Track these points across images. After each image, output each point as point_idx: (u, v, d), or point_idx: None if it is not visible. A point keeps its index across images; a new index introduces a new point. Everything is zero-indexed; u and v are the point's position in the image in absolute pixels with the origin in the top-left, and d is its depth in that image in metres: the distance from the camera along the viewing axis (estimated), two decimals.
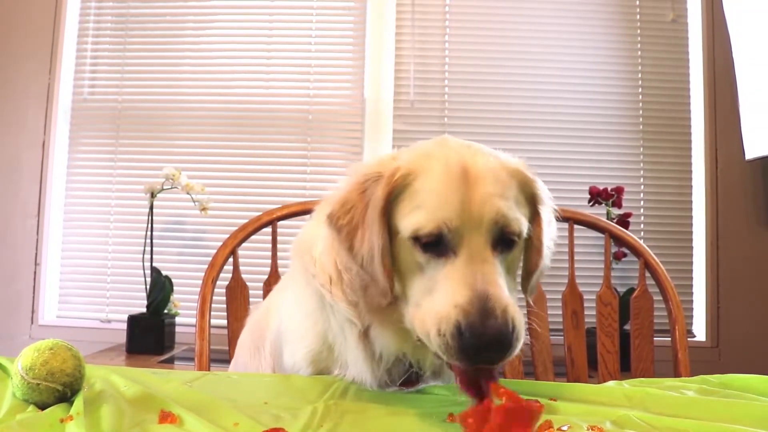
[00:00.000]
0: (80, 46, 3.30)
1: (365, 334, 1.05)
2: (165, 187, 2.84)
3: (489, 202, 0.92)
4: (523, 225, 0.96)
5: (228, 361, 1.69)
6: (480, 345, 0.82)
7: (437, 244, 0.91)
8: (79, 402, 0.79)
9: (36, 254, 3.17)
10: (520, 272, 1.05)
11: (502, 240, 0.93)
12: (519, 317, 0.85)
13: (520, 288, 1.05)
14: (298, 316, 1.16)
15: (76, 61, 3.30)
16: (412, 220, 0.93)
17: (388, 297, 0.95)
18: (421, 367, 1.03)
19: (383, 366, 1.04)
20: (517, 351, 0.84)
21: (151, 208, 2.89)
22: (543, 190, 1.06)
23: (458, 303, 0.84)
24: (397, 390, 1.04)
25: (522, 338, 0.85)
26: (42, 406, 0.80)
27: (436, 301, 0.88)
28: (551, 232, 1.07)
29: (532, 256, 1.03)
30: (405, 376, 1.05)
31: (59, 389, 0.81)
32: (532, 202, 1.03)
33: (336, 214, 1.00)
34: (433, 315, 0.87)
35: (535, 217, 1.02)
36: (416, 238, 0.92)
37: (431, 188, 0.94)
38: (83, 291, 3.20)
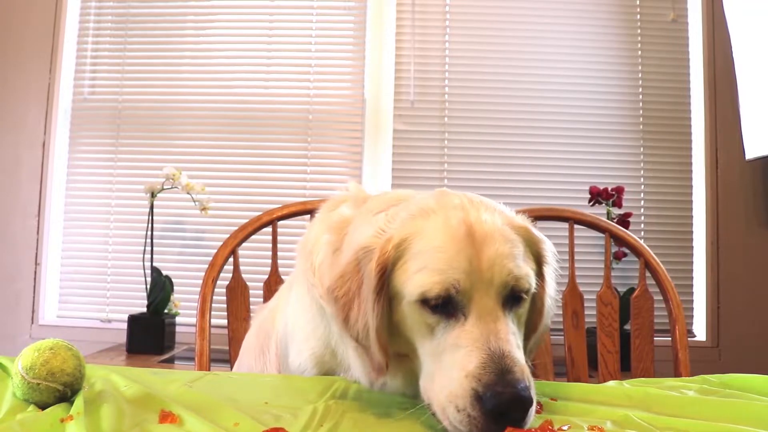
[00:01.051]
0: (80, 46, 3.30)
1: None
2: (165, 187, 2.84)
3: (499, 262, 0.89)
4: (531, 281, 0.93)
5: (228, 361, 1.69)
6: (502, 404, 0.78)
7: (445, 306, 0.87)
8: (79, 402, 0.79)
9: (36, 254, 3.17)
10: None
11: (512, 297, 0.91)
12: (531, 377, 0.83)
13: None
14: (302, 320, 1.15)
15: (76, 61, 3.30)
16: (417, 282, 0.89)
17: (383, 372, 0.93)
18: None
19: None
20: (534, 412, 0.81)
21: (152, 207, 2.89)
22: (548, 251, 1.01)
23: (469, 371, 0.81)
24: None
25: (535, 399, 0.82)
26: (42, 406, 0.80)
27: (446, 374, 0.84)
28: (552, 291, 1.03)
29: (534, 317, 0.99)
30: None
31: (59, 389, 0.81)
32: (537, 261, 0.99)
33: (333, 286, 0.97)
34: (447, 393, 0.83)
35: (539, 278, 0.98)
36: (424, 301, 0.88)
37: (435, 248, 0.90)
38: (83, 291, 3.20)
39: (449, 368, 0.84)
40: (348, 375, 1.07)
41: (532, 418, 0.81)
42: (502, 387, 0.79)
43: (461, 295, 0.87)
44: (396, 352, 0.95)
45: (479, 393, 0.79)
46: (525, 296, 0.92)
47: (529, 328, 0.99)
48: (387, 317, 0.93)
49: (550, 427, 0.78)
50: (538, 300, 0.98)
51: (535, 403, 0.81)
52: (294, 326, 1.18)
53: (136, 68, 3.30)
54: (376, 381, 0.97)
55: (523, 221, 1.00)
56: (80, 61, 3.30)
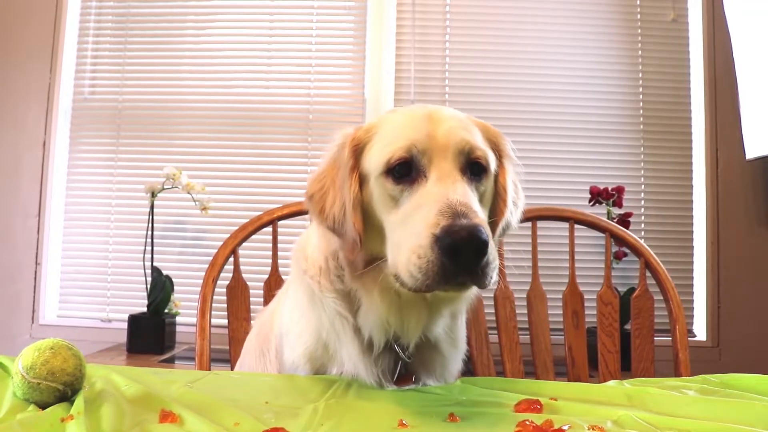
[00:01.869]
0: (81, 45, 3.30)
1: (358, 328, 1.08)
2: (165, 187, 2.84)
3: (454, 132, 0.98)
4: (489, 156, 1.02)
5: (228, 361, 1.69)
6: (456, 240, 0.83)
7: (408, 173, 0.96)
8: (79, 401, 0.79)
9: (37, 254, 3.17)
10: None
11: (470, 167, 0.99)
12: (491, 237, 0.88)
13: None
14: (296, 315, 1.19)
15: (76, 60, 3.30)
16: (382, 154, 0.98)
17: (357, 247, 0.99)
18: (404, 336, 1.05)
19: (375, 353, 1.06)
20: (494, 267, 0.87)
21: (152, 207, 2.89)
22: (507, 144, 1.12)
23: (429, 221, 0.87)
24: (395, 389, 1.06)
25: (495, 260, 0.88)
26: (43, 406, 0.80)
27: (410, 230, 0.90)
28: (518, 193, 1.13)
29: (498, 204, 1.08)
30: (397, 371, 1.07)
31: (60, 389, 0.81)
32: (497, 153, 1.08)
33: (309, 188, 1.08)
34: (408, 246, 0.89)
35: (500, 169, 1.08)
36: (388, 171, 0.97)
37: (397, 126, 1.00)
38: (84, 290, 3.20)
39: (413, 227, 0.90)
40: (341, 370, 1.09)
41: (495, 270, 0.87)
42: (458, 228, 0.84)
43: (421, 156, 0.95)
44: (368, 254, 1.01)
45: (437, 236, 0.85)
46: (484, 167, 1.00)
47: (495, 217, 1.07)
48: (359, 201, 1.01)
49: (550, 427, 0.78)
50: (500, 188, 1.08)
51: (491, 248, 0.86)
52: (289, 323, 1.21)
53: (136, 68, 3.30)
54: (354, 263, 1.02)
55: (484, 122, 1.09)
56: (81, 60, 3.30)
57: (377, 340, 1.06)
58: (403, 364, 1.08)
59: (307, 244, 1.19)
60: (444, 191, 0.91)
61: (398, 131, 1.00)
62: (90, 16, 3.31)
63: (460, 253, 0.84)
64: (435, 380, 1.12)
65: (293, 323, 1.19)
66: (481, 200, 1.00)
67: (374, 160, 1.00)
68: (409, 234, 0.90)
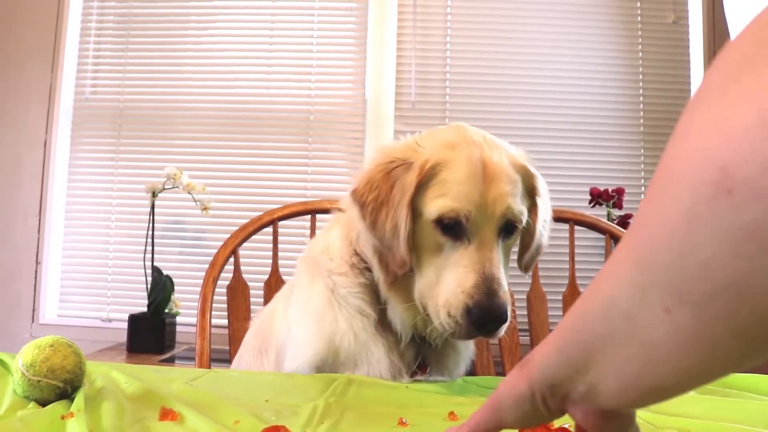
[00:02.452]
0: (82, 45, 3.31)
1: (380, 322, 1.16)
2: (166, 187, 2.84)
3: (501, 199, 1.06)
4: (524, 216, 1.11)
5: (228, 361, 1.69)
6: (487, 319, 1.00)
7: (454, 229, 1.05)
8: (79, 399, 0.79)
9: (37, 253, 3.17)
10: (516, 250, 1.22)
11: (506, 229, 1.09)
12: (509, 297, 1.04)
13: (515, 265, 1.22)
14: (306, 322, 1.21)
15: (78, 60, 3.30)
16: (438, 205, 1.06)
17: (405, 267, 1.08)
18: (430, 337, 1.15)
19: (402, 346, 1.16)
20: (504, 329, 1.04)
21: (153, 207, 2.89)
22: (541, 185, 1.19)
23: (465, 288, 1.01)
24: (409, 381, 1.12)
25: (510, 317, 1.03)
26: (43, 403, 0.80)
27: (445, 284, 1.04)
28: (545, 215, 1.21)
29: (527, 239, 1.19)
30: (417, 362, 1.17)
31: (60, 386, 0.81)
32: (531, 194, 1.17)
33: (361, 191, 1.12)
34: (444, 299, 1.03)
35: (532, 207, 1.17)
36: (439, 221, 1.06)
37: (456, 180, 1.06)
38: (84, 290, 3.20)
39: (449, 281, 1.04)
40: (354, 371, 1.13)
41: (504, 330, 1.04)
42: (488, 306, 1.00)
43: (469, 223, 1.05)
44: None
45: (470, 307, 1.00)
46: (517, 227, 1.11)
47: (524, 246, 1.20)
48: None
49: (550, 426, 0.77)
50: (530, 225, 1.17)
51: (509, 321, 1.03)
52: (296, 331, 1.22)
53: (137, 68, 3.31)
54: (397, 277, 1.10)
55: (523, 159, 1.16)
56: (82, 60, 3.30)
57: (405, 334, 1.15)
58: (422, 357, 1.17)
59: (330, 247, 1.24)
60: (482, 259, 1.04)
61: (457, 188, 1.06)
62: (92, 17, 3.32)
63: (486, 326, 1.02)
64: (445, 375, 1.20)
65: (301, 330, 1.21)
66: (507, 251, 1.13)
67: (429, 204, 1.07)
68: (444, 286, 1.05)
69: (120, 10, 3.33)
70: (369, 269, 1.17)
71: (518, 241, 1.20)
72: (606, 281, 0.44)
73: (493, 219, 1.06)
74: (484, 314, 1.00)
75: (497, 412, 0.53)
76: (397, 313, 1.15)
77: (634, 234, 0.41)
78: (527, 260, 1.22)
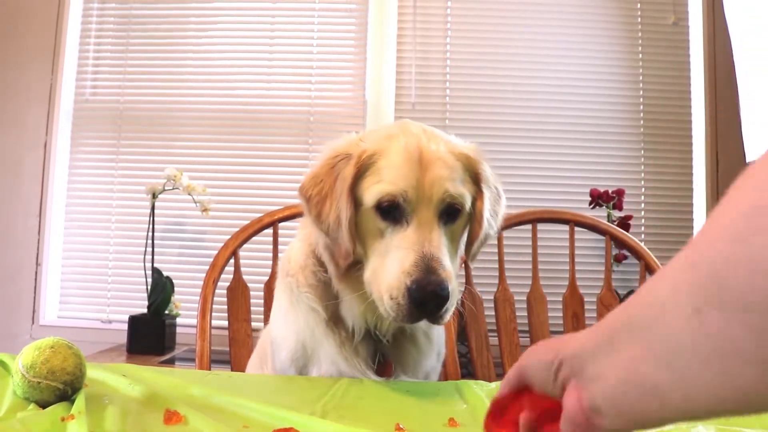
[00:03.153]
0: (82, 47, 3.31)
1: (333, 321, 1.18)
2: (166, 188, 2.84)
3: (438, 183, 1.09)
4: (466, 200, 1.14)
5: (228, 362, 1.69)
6: (424, 297, 1.00)
7: (394, 213, 1.08)
8: (80, 401, 0.79)
9: (37, 254, 3.17)
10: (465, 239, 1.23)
11: (447, 212, 1.11)
12: (454, 282, 1.05)
13: (463, 254, 1.23)
14: (280, 320, 1.27)
15: (78, 62, 3.30)
16: (375, 190, 1.09)
17: (350, 258, 1.11)
18: (381, 332, 1.18)
19: (355, 342, 1.18)
20: (451, 311, 1.04)
21: (153, 208, 2.89)
22: (486, 171, 1.22)
23: (405, 269, 1.02)
24: (379, 380, 1.14)
25: (455, 300, 1.05)
26: (43, 405, 0.80)
27: (388, 268, 1.05)
28: (496, 207, 1.24)
29: (475, 227, 1.19)
30: (377, 359, 1.18)
31: (60, 388, 0.81)
32: (476, 180, 1.19)
33: (306, 186, 1.17)
34: (386, 284, 1.04)
35: (478, 194, 1.19)
36: (378, 207, 1.09)
37: (392, 166, 1.10)
38: (84, 291, 3.20)
39: (390, 265, 1.05)
40: (319, 370, 1.17)
41: (450, 313, 1.04)
42: (426, 282, 1.00)
43: (407, 204, 1.07)
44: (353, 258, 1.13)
45: (409, 286, 1.00)
46: (459, 211, 1.12)
47: (472, 237, 1.20)
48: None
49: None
50: (477, 213, 1.18)
51: (453, 300, 1.03)
52: (275, 330, 1.28)
53: (137, 69, 3.30)
54: (342, 268, 1.13)
55: (466, 149, 1.20)
56: (82, 62, 3.30)
57: (358, 328, 1.17)
58: (381, 353, 1.18)
59: (291, 253, 1.30)
60: (421, 240, 1.05)
61: (393, 172, 1.10)
62: (92, 18, 3.32)
63: (426, 304, 1.01)
64: (408, 373, 1.21)
65: (278, 329, 1.27)
66: (452, 236, 1.14)
67: (369, 192, 1.11)
68: (386, 270, 1.05)
69: (120, 12, 3.33)
70: (323, 268, 1.20)
71: (467, 231, 1.21)
72: (660, 273, 0.44)
73: (431, 201, 1.08)
74: (422, 291, 1.00)
75: (520, 372, 0.58)
76: (347, 307, 1.17)
77: (699, 233, 0.41)
78: (474, 250, 1.21)
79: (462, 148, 1.19)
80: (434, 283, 1.00)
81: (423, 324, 1.19)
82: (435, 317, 1.04)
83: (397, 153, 1.11)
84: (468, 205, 1.15)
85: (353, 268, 1.13)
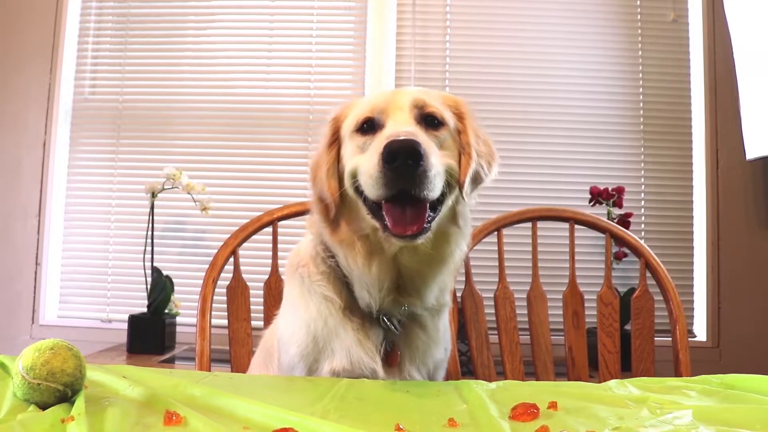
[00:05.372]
0: (81, 46, 3.30)
1: (348, 308, 1.20)
2: (166, 187, 2.84)
3: (409, 94, 1.18)
4: (444, 112, 1.19)
5: (228, 361, 1.70)
6: (394, 149, 1.01)
7: (371, 129, 1.16)
8: (80, 402, 0.79)
9: (37, 254, 3.17)
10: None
11: (426, 120, 1.16)
12: (437, 168, 1.06)
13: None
14: (289, 315, 1.27)
15: (77, 61, 3.30)
16: (352, 118, 1.20)
17: (336, 201, 1.18)
18: (391, 313, 1.20)
19: (373, 312, 1.19)
20: (434, 187, 1.04)
21: (152, 208, 2.89)
22: (467, 107, 1.27)
23: (380, 149, 1.03)
24: (383, 377, 1.14)
25: (432, 171, 1.04)
26: (43, 406, 0.80)
27: (369, 160, 1.08)
28: (489, 146, 1.27)
29: (464, 160, 1.21)
30: (383, 349, 1.18)
31: (60, 389, 0.81)
32: (458, 115, 1.24)
33: (311, 165, 1.29)
34: (367, 168, 1.07)
35: (462, 129, 1.24)
36: (357, 129, 1.17)
37: (367, 99, 1.22)
38: (84, 291, 3.20)
39: (371, 158, 1.07)
40: (332, 363, 1.17)
41: (432, 187, 1.04)
42: (396, 140, 1.02)
43: (380, 114, 1.15)
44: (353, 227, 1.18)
45: (381, 153, 1.03)
46: (439, 122, 1.18)
47: (463, 170, 1.20)
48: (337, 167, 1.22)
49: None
50: (465, 145, 1.22)
51: (429, 160, 1.03)
52: (284, 326, 1.28)
53: (136, 68, 3.30)
54: (331, 217, 1.19)
55: (449, 95, 1.28)
56: (81, 61, 3.30)
57: (375, 297, 1.17)
58: (388, 342, 1.19)
59: (300, 247, 1.33)
60: (395, 130, 1.08)
61: (365, 102, 1.20)
62: (90, 17, 3.32)
63: (397, 158, 1.01)
64: (416, 362, 1.22)
65: (287, 325, 1.27)
66: (438, 144, 1.16)
67: (347, 125, 1.21)
68: (367, 163, 1.08)
69: (118, 10, 3.33)
70: (332, 255, 1.23)
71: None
72: None
73: (404, 106, 1.15)
74: (392, 146, 1.01)
75: None
76: (357, 280, 1.19)
77: None
78: (466, 185, 1.19)
79: (450, 96, 1.28)
80: (404, 138, 1.02)
81: (428, 314, 1.23)
82: (415, 182, 1.02)
83: (368, 97, 1.21)
84: (451, 122, 1.20)
85: (341, 222, 1.19)
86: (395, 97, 1.17)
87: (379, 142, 1.07)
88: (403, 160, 1.01)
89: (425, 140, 1.08)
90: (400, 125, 1.10)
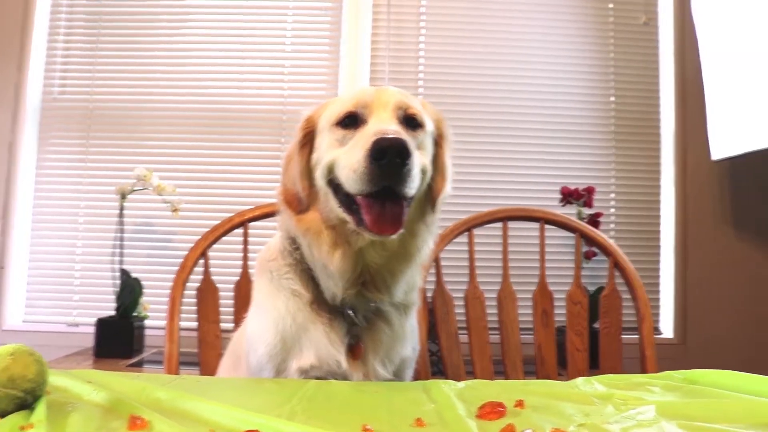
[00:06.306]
0: (51, 44, 3.25)
1: (316, 303, 1.21)
2: (136, 188, 2.81)
3: (394, 95, 1.19)
4: (425, 118, 1.22)
5: (197, 364, 1.68)
6: (382, 146, 1.03)
7: (353, 123, 1.16)
8: (41, 408, 0.78)
9: (1, 257, 3.11)
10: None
11: (407, 121, 1.18)
12: (418, 168, 1.09)
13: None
14: (257, 315, 1.28)
15: (46, 59, 3.24)
16: (332, 112, 1.19)
17: (306, 194, 1.20)
18: (355, 307, 1.21)
19: (339, 299, 1.20)
20: (413, 183, 1.07)
21: (122, 209, 2.85)
22: (448, 129, 1.31)
23: (366, 146, 1.05)
24: (349, 370, 1.16)
25: (415, 170, 1.07)
26: (2, 414, 0.78)
27: (352, 155, 1.09)
28: (449, 159, 1.30)
29: (438, 180, 1.26)
30: (347, 343, 1.19)
31: (20, 396, 0.80)
32: (438, 133, 1.28)
33: (284, 159, 1.30)
34: (350, 162, 1.08)
35: (439, 149, 1.27)
36: (337, 123, 1.17)
37: (348, 95, 1.21)
38: (50, 294, 3.14)
39: (355, 153, 1.08)
40: (297, 362, 1.18)
41: (412, 183, 1.07)
42: (384, 138, 1.04)
43: (364, 110, 1.16)
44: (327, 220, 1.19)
45: (368, 149, 1.04)
46: (420, 125, 1.20)
47: (436, 189, 1.25)
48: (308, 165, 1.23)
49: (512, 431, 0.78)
50: (440, 164, 1.27)
51: (413, 160, 1.05)
52: (252, 327, 1.28)
53: (107, 67, 3.25)
54: (297, 209, 1.21)
55: (435, 111, 1.30)
56: (50, 59, 3.24)
57: (339, 286, 1.18)
58: (352, 335, 1.20)
59: (270, 244, 1.34)
60: (382, 129, 1.09)
61: (347, 98, 1.20)
62: (61, 14, 3.26)
63: (385, 155, 1.03)
64: (381, 356, 1.22)
65: (255, 325, 1.27)
66: (418, 148, 1.16)
67: (325, 118, 1.21)
68: (350, 157, 1.09)
69: (90, 8, 3.27)
70: (298, 248, 1.24)
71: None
72: None
73: (388, 105, 1.17)
74: (380, 143, 1.03)
75: None
76: (321, 271, 1.19)
77: None
78: (440, 201, 1.25)
79: (431, 107, 1.30)
80: (390, 138, 1.04)
81: (393, 310, 1.24)
82: (399, 177, 1.05)
83: (352, 90, 1.21)
84: (429, 125, 1.23)
85: (308, 212, 1.21)
86: (380, 94, 1.19)
87: (364, 137, 1.08)
88: (391, 158, 1.03)
89: (409, 140, 1.10)
90: (385, 123, 1.12)
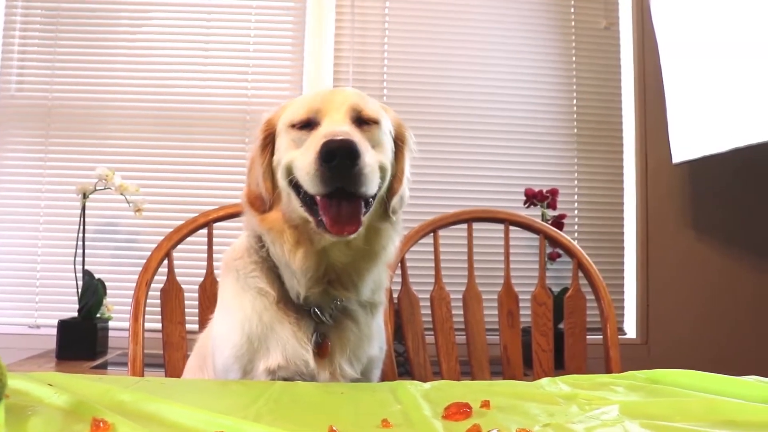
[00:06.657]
0: (6, 39, 3.16)
1: (283, 302, 1.21)
2: (98, 188, 2.76)
3: (347, 96, 1.21)
4: (382, 117, 1.24)
5: (162, 366, 1.66)
6: (331, 148, 1.05)
7: (308, 124, 1.18)
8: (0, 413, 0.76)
9: None
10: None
11: (360, 119, 1.20)
12: (372, 167, 1.10)
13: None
14: (223, 315, 1.27)
15: (1, 55, 3.16)
16: (287, 116, 1.22)
17: (270, 195, 1.23)
18: (322, 305, 1.22)
19: (304, 296, 1.20)
20: (370, 184, 1.09)
21: (83, 209, 2.80)
22: (410, 136, 1.33)
23: (318, 147, 1.07)
24: (316, 369, 1.17)
25: (368, 169, 1.08)
26: None
27: (305, 157, 1.10)
28: (408, 165, 1.32)
29: (395, 184, 1.27)
30: (313, 341, 1.20)
31: None
32: (400, 140, 1.30)
33: (248, 162, 1.34)
34: (303, 166, 1.10)
35: (399, 154, 1.29)
36: (292, 126, 1.20)
37: (303, 98, 1.24)
38: (10, 296, 3.06)
39: (308, 155, 1.10)
40: (264, 362, 1.18)
41: (368, 183, 1.08)
42: (333, 141, 1.06)
43: (317, 114, 1.18)
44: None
45: (319, 150, 1.06)
46: (375, 122, 1.21)
47: (392, 192, 1.26)
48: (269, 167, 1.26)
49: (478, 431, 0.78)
50: (399, 172, 1.28)
51: (364, 160, 1.07)
52: (218, 327, 1.28)
53: (67, 64, 3.18)
54: (263, 209, 1.23)
55: (396, 116, 1.33)
56: (6, 55, 3.16)
57: (302, 284, 1.19)
58: (319, 334, 1.20)
59: (236, 244, 1.34)
60: (332, 129, 1.11)
61: (303, 101, 1.22)
62: (17, 9, 3.18)
63: (335, 157, 1.05)
64: (348, 355, 1.23)
65: (221, 326, 1.26)
66: (371, 142, 1.18)
67: (283, 121, 1.24)
68: (304, 159, 1.11)
69: (48, 3, 3.20)
70: (264, 246, 1.25)
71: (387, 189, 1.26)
72: None
73: (341, 107, 1.19)
74: (329, 145, 1.05)
75: None
76: (285, 269, 1.20)
77: None
78: (395, 203, 1.27)
79: (392, 111, 1.32)
80: (340, 139, 1.06)
81: (360, 310, 1.26)
82: (351, 178, 1.06)
83: (308, 93, 1.26)
84: (385, 124, 1.24)
85: (271, 211, 1.23)
86: (334, 96, 1.20)
87: (315, 140, 1.10)
88: (341, 160, 1.05)
89: (360, 139, 1.11)
90: (337, 124, 1.14)
